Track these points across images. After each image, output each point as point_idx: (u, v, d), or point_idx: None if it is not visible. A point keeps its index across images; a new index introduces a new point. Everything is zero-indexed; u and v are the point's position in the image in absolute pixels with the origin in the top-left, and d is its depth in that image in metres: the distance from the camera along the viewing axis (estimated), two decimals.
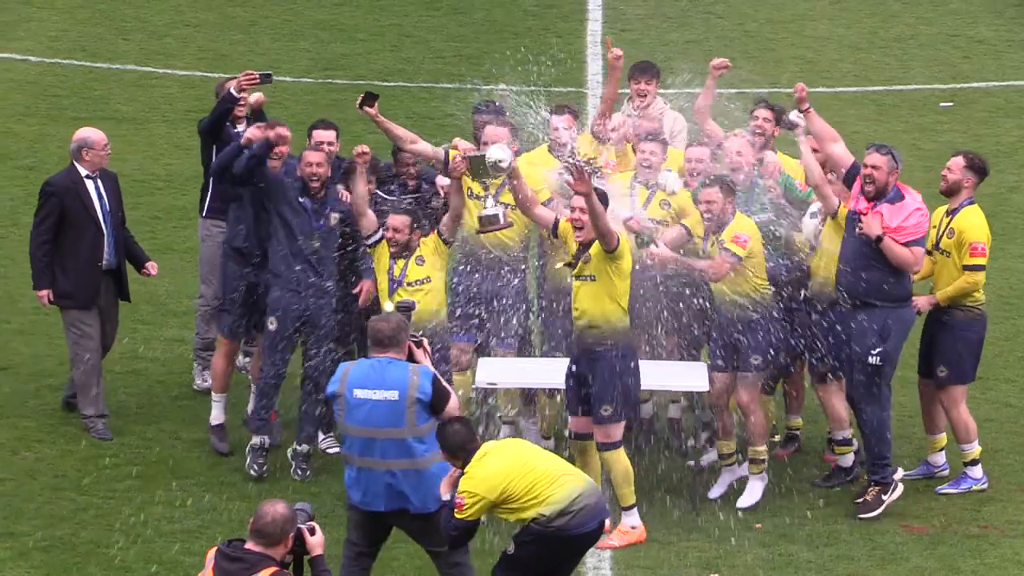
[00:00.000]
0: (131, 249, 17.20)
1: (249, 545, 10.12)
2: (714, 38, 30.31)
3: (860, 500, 15.05)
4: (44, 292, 16.66)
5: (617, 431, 14.19)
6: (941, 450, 15.77)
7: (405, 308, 13.64)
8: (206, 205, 17.40)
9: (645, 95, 16.40)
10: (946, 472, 15.79)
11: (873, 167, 14.54)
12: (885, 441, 14.90)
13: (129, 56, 29.67)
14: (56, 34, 30.61)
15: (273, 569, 10.15)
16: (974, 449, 15.44)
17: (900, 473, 15.04)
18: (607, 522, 12.25)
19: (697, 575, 14.10)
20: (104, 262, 16.70)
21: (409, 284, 14.83)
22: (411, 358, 12.23)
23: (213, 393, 16.61)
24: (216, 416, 16.47)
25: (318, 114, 20.27)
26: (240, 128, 16.67)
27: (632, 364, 14.22)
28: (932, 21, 31.50)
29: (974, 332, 15.37)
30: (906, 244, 14.48)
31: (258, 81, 16.51)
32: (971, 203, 15.26)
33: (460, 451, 11.68)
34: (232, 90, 16.26)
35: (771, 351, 14.97)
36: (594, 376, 14.09)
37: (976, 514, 15.18)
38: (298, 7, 32.33)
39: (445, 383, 12.41)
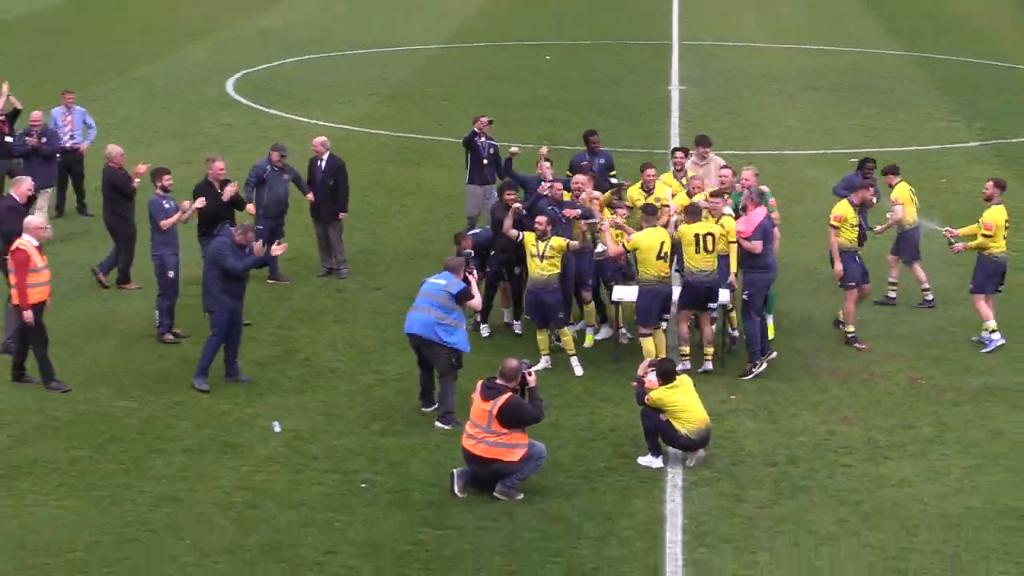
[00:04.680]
0: None
1: (499, 381, 17.83)
2: None
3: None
4: None
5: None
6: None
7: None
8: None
9: (705, 155, 25.96)
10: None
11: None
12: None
13: None
14: None
15: (510, 394, 17.76)
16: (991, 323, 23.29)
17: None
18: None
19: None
20: None
21: (545, 257, 21.86)
22: (466, 280, 20.34)
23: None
24: None
25: None
26: None
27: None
28: None
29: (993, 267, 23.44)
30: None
31: None
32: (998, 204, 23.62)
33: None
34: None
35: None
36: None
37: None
38: None
39: (473, 294, 20.44)
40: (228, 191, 23.99)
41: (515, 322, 23.87)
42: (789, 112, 41.12)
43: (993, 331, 23.16)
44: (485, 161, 27.32)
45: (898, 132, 38.50)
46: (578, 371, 21.95)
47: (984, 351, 22.99)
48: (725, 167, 24.26)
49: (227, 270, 21.00)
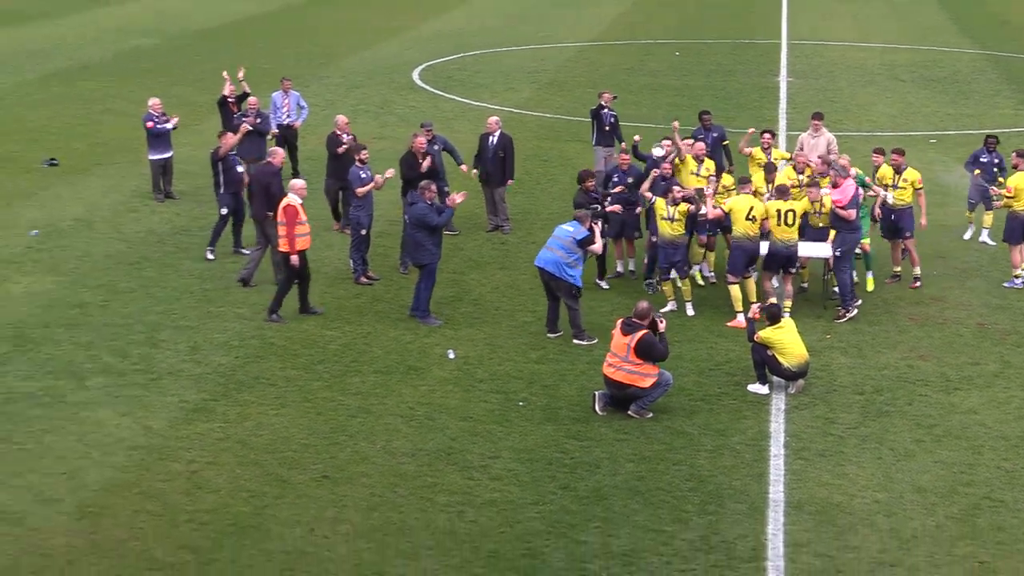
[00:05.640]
0: None
1: (634, 319, 17.75)
2: None
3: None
4: None
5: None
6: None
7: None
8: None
9: (818, 128, 25.93)
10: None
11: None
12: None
13: None
14: None
15: (645, 331, 17.68)
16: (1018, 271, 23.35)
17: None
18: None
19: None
20: None
21: (673, 219, 21.83)
22: (590, 229, 20.62)
23: None
24: None
25: None
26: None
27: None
28: None
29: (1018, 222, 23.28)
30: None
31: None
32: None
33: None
34: None
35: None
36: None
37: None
38: None
39: (595, 239, 20.65)
40: (426, 163, 24.19)
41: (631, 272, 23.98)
42: (878, 100, 40.46)
43: (1016, 276, 23.33)
44: (607, 128, 28.37)
45: (969, 118, 37.70)
46: (690, 312, 21.93)
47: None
48: (827, 160, 23.68)
49: (432, 227, 21.18)
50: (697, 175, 23.57)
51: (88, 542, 14.52)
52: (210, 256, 24.43)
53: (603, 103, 28.35)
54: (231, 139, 25.09)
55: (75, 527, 14.84)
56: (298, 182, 21.96)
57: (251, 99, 28.10)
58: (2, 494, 15.55)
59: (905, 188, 23.20)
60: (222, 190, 24.58)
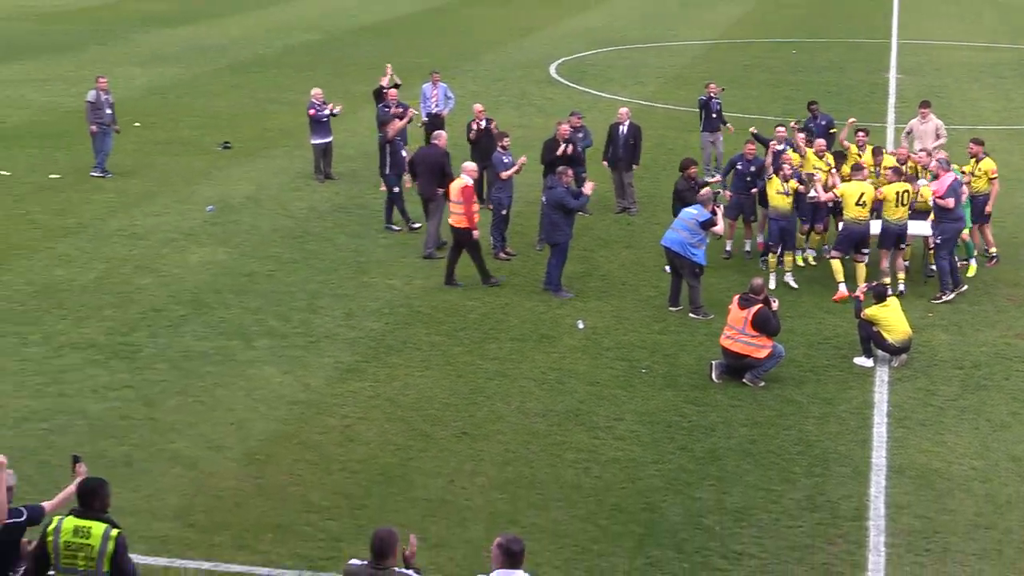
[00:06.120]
0: None
1: (750, 295, 17.69)
2: None
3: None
4: None
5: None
6: None
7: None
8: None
9: (926, 115, 26.17)
10: None
11: None
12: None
13: None
14: None
15: (761, 306, 17.58)
16: None
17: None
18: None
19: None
20: None
21: (788, 194, 22.04)
22: (712, 212, 20.46)
23: None
24: None
25: None
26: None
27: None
28: None
29: None
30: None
31: None
32: None
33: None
34: None
35: None
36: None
37: None
38: None
39: (717, 221, 20.50)
40: (566, 149, 24.24)
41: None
42: (982, 95, 39.58)
43: None
44: (714, 115, 28.59)
45: None
46: (793, 285, 21.81)
47: None
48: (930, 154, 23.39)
49: (571, 209, 21.19)
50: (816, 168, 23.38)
51: (254, 486, 14.78)
52: (396, 228, 24.75)
53: (711, 93, 28.59)
54: (397, 125, 25.37)
55: (242, 472, 15.11)
56: (470, 165, 22.13)
57: (391, 91, 28.24)
58: (180, 441, 15.89)
59: (980, 177, 22.86)
60: (387, 171, 24.83)
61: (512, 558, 9.42)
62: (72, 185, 28.08)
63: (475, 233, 21.45)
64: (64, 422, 16.34)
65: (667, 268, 21.46)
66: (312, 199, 27.24)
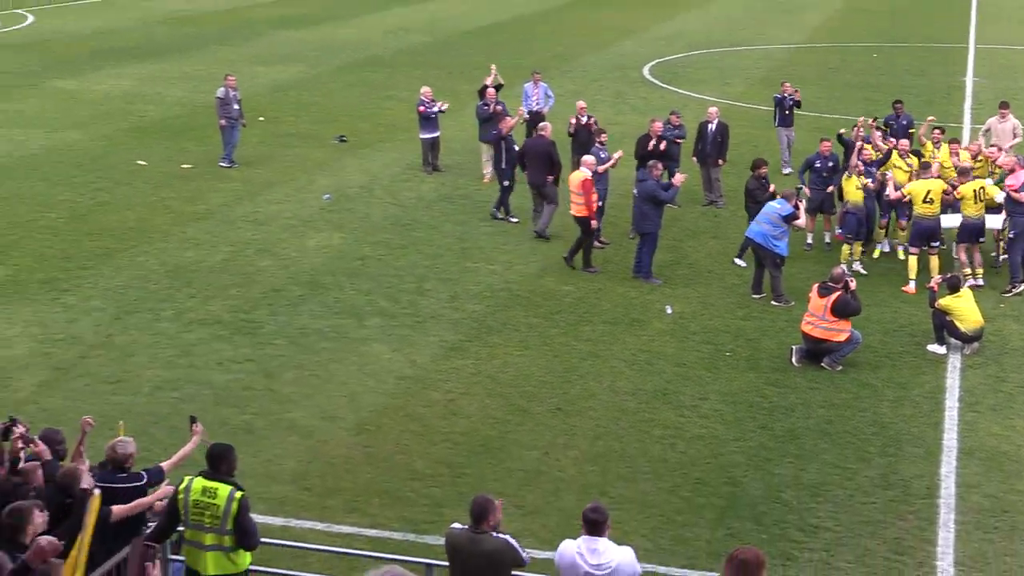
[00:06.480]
0: None
1: (830, 283, 17.37)
2: None
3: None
4: None
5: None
6: None
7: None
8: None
9: (1005, 115, 25.74)
10: None
11: None
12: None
13: None
14: None
15: (840, 292, 17.27)
16: None
17: None
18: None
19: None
20: None
21: (862, 188, 21.77)
22: (795, 206, 20.16)
23: None
24: None
25: None
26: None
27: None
28: None
29: None
30: None
31: None
32: None
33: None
34: None
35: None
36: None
37: None
38: None
39: (799, 215, 20.18)
40: (658, 145, 24.19)
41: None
42: None
43: None
44: (787, 112, 28.33)
45: None
46: (863, 272, 21.50)
47: None
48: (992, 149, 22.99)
49: (661, 201, 21.09)
50: (899, 168, 23.06)
51: (363, 454, 14.90)
52: (499, 215, 24.78)
53: (785, 92, 28.36)
54: (510, 122, 25.41)
55: (353, 441, 15.24)
56: (589, 158, 22.13)
57: (489, 91, 28.17)
58: (296, 411, 16.06)
59: None
60: (503, 165, 24.85)
61: (594, 526, 9.41)
62: (202, 175, 28.46)
63: (594, 223, 21.51)
64: (192, 391, 16.60)
65: (735, 260, 21.35)
66: (420, 189, 27.34)
